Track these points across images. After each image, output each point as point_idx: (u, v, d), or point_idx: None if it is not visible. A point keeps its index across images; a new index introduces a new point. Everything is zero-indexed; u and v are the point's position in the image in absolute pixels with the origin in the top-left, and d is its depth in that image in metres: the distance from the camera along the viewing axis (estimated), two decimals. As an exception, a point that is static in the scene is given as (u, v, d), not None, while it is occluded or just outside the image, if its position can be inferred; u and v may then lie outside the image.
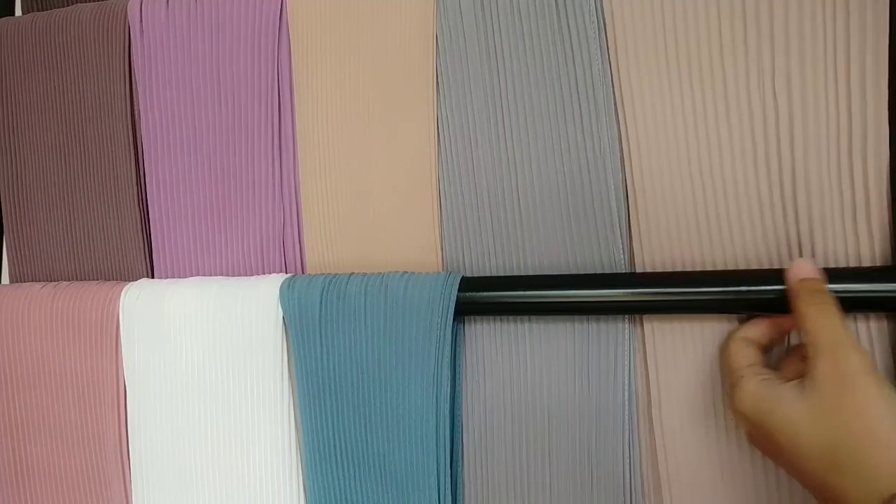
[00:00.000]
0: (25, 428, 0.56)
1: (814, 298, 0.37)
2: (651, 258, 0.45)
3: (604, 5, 0.45)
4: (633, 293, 0.43)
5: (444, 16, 0.49)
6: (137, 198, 0.56)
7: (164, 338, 0.51)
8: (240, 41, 0.53)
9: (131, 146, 0.56)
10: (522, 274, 0.47)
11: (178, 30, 0.54)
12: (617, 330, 0.45)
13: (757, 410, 0.37)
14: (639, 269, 0.45)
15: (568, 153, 0.46)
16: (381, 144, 0.51)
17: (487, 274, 0.48)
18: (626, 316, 0.45)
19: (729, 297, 0.41)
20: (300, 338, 0.48)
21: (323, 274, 0.50)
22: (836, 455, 0.33)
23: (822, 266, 0.40)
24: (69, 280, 0.58)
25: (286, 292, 0.48)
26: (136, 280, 0.55)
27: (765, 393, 0.37)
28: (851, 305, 0.38)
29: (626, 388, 0.45)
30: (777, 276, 0.41)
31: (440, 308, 0.45)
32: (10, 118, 0.59)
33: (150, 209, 0.56)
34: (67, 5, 0.59)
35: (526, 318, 0.47)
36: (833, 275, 0.39)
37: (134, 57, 0.56)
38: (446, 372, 0.45)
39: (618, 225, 0.45)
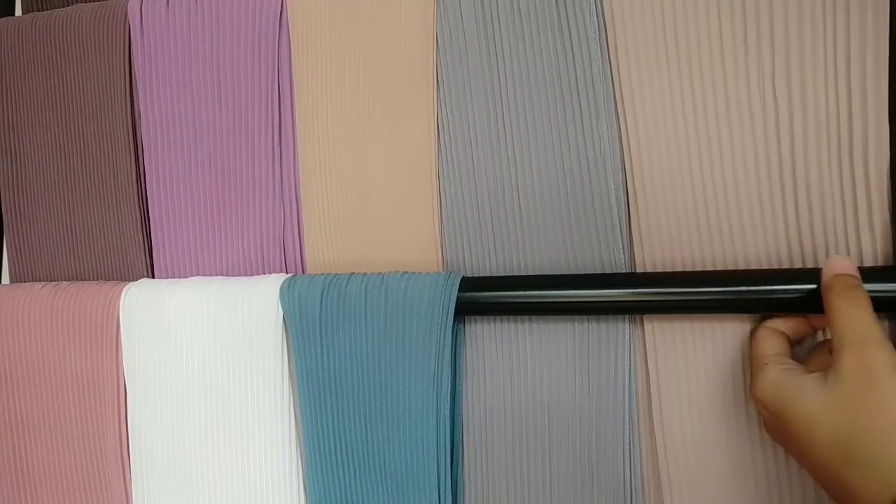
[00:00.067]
0: (25, 427, 0.56)
1: (847, 293, 0.36)
2: (651, 258, 0.45)
3: (604, 5, 0.45)
4: (633, 293, 0.43)
5: (444, 15, 0.49)
6: (137, 197, 0.56)
7: (164, 338, 0.51)
8: (240, 41, 0.53)
9: (131, 146, 0.56)
10: (522, 274, 0.47)
11: (178, 29, 0.54)
12: (617, 330, 0.45)
13: (777, 398, 0.37)
14: (639, 269, 0.45)
15: (568, 153, 0.46)
16: (381, 144, 0.51)
17: (487, 274, 0.48)
18: (627, 316, 0.45)
19: (729, 297, 0.41)
20: (300, 338, 0.48)
21: (323, 274, 0.50)
22: (853, 449, 0.33)
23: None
24: (69, 280, 0.58)
25: (286, 292, 0.48)
26: (137, 279, 0.55)
27: (786, 382, 0.37)
28: (852, 305, 0.38)
29: (626, 387, 0.45)
30: (777, 276, 0.41)
31: (440, 308, 0.45)
32: (11, 118, 0.59)
33: (150, 208, 0.56)
34: (67, 5, 0.59)
35: (526, 318, 0.47)
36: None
37: (134, 57, 0.56)
38: (446, 372, 0.45)
39: (618, 225, 0.45)
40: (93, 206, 0.57)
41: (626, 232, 0.46)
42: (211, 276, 0.54)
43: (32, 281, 0.59)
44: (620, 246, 0.45)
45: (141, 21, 0.55)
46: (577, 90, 0.46)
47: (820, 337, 0.42)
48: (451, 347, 0.46)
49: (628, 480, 0.45)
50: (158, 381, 0.52)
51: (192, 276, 0.55)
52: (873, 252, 0.41)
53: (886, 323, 0.41)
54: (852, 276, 0.37)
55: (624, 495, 0.45)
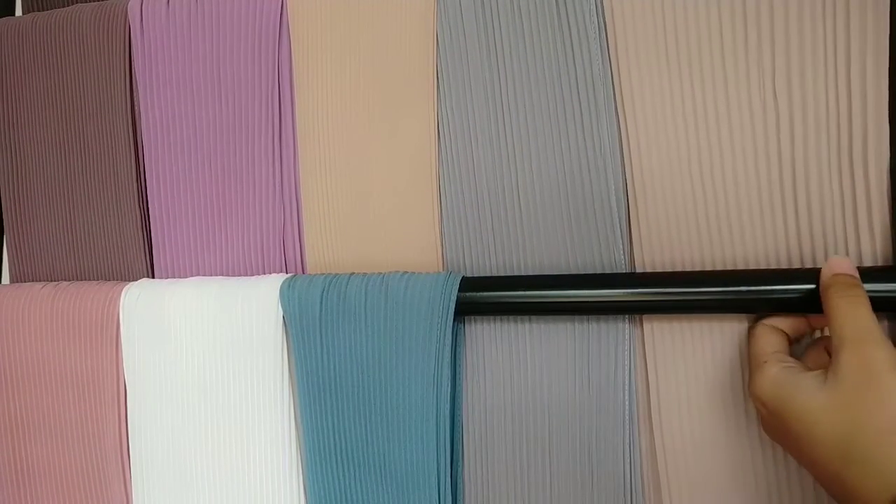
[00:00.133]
0: (25, 428, 0.56)
1: (846, 291, 0.37)
2: (651, 258, 0.45)
3: (604, 5, 0.45)
4: (633, 293, 0.43)
5: (444, 14, 0.49)
6: (137, 197, 0.56)
7: (164, 338, 0.51)
8: (240, 41, 0.53)
9: (131, 145, 0.56)
10: (522, 274, 0.47)
11: (178, 29, 0.54)
12: (617, 330, 0.45)
13: (776, 397, 0.37)
14: (639, 269, 0.45)
15: (568, 152, 0.46)
16: (381, 143, 0.51)
17: (488, 274, 0.48)
18: (626, 316, 0.45)
19: (729, 297, 0.41)
20: (300, 338, 0.48)
21: (323, 274, 0.50)
22: (853, 448, 0.33)
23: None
24: (69, 279, 0.58)
25: (286, 292, 0.49)
26: (137, 279, 0.55)
27: (785, 380, 0.37)
28: (851, 305, 0.38)
29: (626, 387, 0.45)
30: (777, 276, 0.41)
31: (440, 308, 0.45)
32: (11, 117, 0.59)
33: (150, 208, 0.56)
34: (67, 5, 0.59)
35: (526, 318, 0.47)
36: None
37: (134, 56, 0.56)
38: (446, 372, 0.45)
39: (618, 225, 0.45)
40: (93, 206, 0.57)
41: (626, 232, 0.46)
42: (211, 276, 0.54)
43: (32, 281, 0.59)
44: (620, 246, 0.45)
45: (141, 21, 0.55)
46: (577, 90, 0.46)
47: (818, 335, 0.42)
48: (451, 347, 0.46)
49: (628, 480, 0.45)
50: (158, 381, 0.52)
51: (192, 276, 0.55)
52: (873, 252, 0.41)
53: (886, 323, 0.41)
54: (851, 275, 0.37)
55: (624, 495, 0.45)
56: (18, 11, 0.65)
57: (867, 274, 0.39)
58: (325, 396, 0.48)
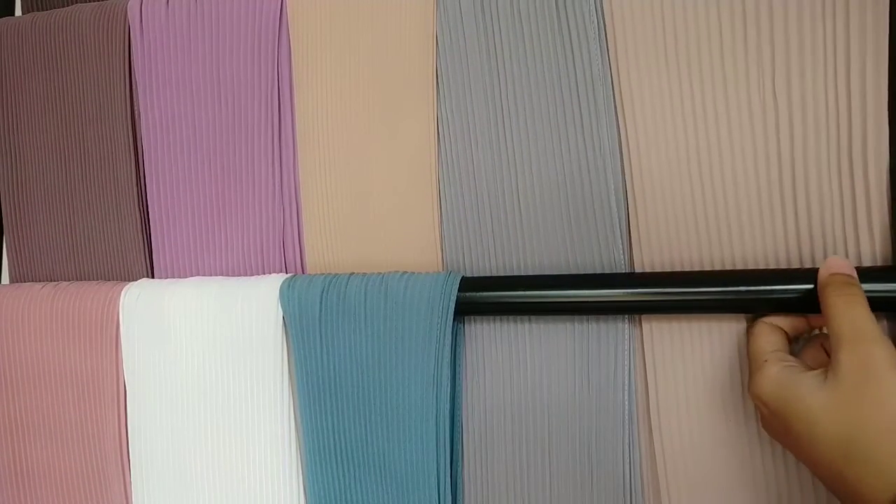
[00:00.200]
0: (25, 428, 0.56)
1: (843, 290, 0.37)
2: (651, 258, 0.45)
3: (604, 5, 0.45)
4: (632, 293, 0.43)
5: (444, 16, 0.49)
6: (137, 198, 0.56)
7: (164, 338, 0.51)
8: (240, 41, 0.53)
9: (131, 146, 0.56)
10: (522, 274, 0.47)
11: (178, 30, 0.54)
12: (617, 330, 0.45)
13: (776, 397, 0.37)
14: (638, 270, 0.45)
15: (568, 153, 0.46)
16: (381, 144, 0.51)
17: (487, 274, 0.48)
18: (626, 316, 0.45)
19: (728, 297, 0.41)
20: (300, 338, 0.48)
21: (323, 274, 0.50)
22: (854, 447, 0.33)
23: (822, 266, 0.40)
24: (69, 280, 0.58)
25: (286, 292, 0.49)
26: (136, 280, 0.55)
27: (786, 379, 0.37)
28: (851, 305, 0.38)
29: (626, 387, 0.45)
30: (776, 276, 0.41)
31: (440, 308, 0.45)
32: (11, 118, 0.59)
33: (149, 209, 0.56)
34: (67, 5, 0.59)
35: (526, 318, 0.47)
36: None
37: (134, 57, 0.56)
38: (446, 372, 0.45)
39: (618, 225, 0.45)
40: (93, 207, 0.57)
41: (626, 232, 0.46)
42: (211, 276, 0.54)
43: (32, 281, 0.59)
44: (620, 246, 0.45)
45: (141, 21, 0.55)
46: (577, 91, 0.46)
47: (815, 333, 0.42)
48: (450, 347, 0.46)
49: (628, 480, 0.45)
50: (158, 381, 0.52)
51: (191, 276, 0.55)
52: (872, 252, 0.41)
53: (886, 323, 0.41)
54: (848, 275, 0.38)
55: (624, 495, 0.45)
56: (18, 11, 0.64)
57: (867, 274, 0.39)
58: (325, 396, 0.48)
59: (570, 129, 0.46)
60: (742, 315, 0.43)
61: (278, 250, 0.53)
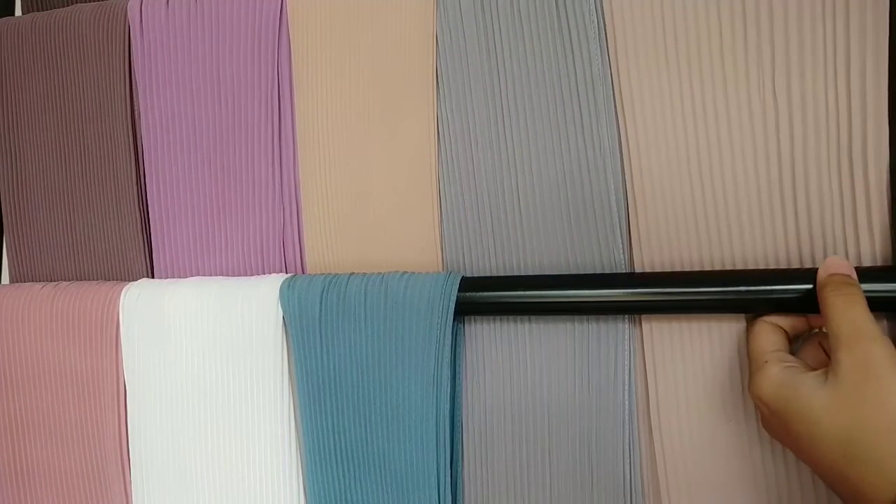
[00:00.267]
0: (25, 428, 0.56)
1: (841, 290, 0.37)
2: (651, 258, 0.45)
3: (604, 5, 0.45)
4: (632, 293, 0.43)
5: (444, 15, 0.49)
6: (137, 197, 0.56)
7: (164, 338, 0.51)
8: (240, 41, 0.53)
9: (131, 146, 0.56)
10: (522, 274, 0.47)
11: (178, 30, 0.54)
12: (617, 330, 0.45)
13: (777, 397, 0.37)
14: (638, 269, 0.45)
15: (568, 153, 0.46)
16: (381, 144, 0.51)
17: (487, 274, 0.48)
18: (626, 316, 0.45)
19: (728, 297, 0.41)
20: (300, 338, 0.48)
21: (323, 274, 0.50)
22: (855, 446, 0.33)
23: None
24: (69, 280, 0.58)
25: (286, 292, 0.49)
26: (136, 280, 0.55)
27: (787, 380, 0.37)
28: (851, 305, 0.38)
29: (626, 387, 0.45)
30: (776, 276, 0.41)
31: (440, 308, 0.45)
32: (10, 118, 0.59)
33: (149, 209, 0.56)
34: (67, 5, 0.59)
35: (526, 318, 0.47)
36: (833, 275, 0.39)
37: (134, 57, 0.56)
38: (446, 372, 0.45)
39: (618, 225, 0.45)
40: (93, 207, 0.57)
41: (626, 232, 0.46)
42: (211, 276, 0.54)
43: (32, 281, 0.59)
44: (620, 246, 0.45)
45: (141, 21, 0.55)
46: (577, 91, 0.46)
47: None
48: (451, 347, 0.46)
49: (628, 480, 0.45)
50: (158, 381, 0.52)
51: (191, 276, 0.55)
52: (872, 252, 0.41)
53: (886, 323, 0.41)
54: (847, 275, 0.38)
55: (624, 495, 0.45)
56: (18, 11, 0.65)
57: (867, 274, 0.39)
58: (325, 396, 0.48)
59: (570, 128, 0.46)
60: (742, 315, 0.43)
61: (278, 250, 0.53)
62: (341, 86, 0.51)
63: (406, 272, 0.47)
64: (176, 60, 0.55)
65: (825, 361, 0.39)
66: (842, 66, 0.41)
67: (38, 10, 0.62)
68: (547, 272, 0.47)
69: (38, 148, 0.59)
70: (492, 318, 0.48)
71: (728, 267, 0.44)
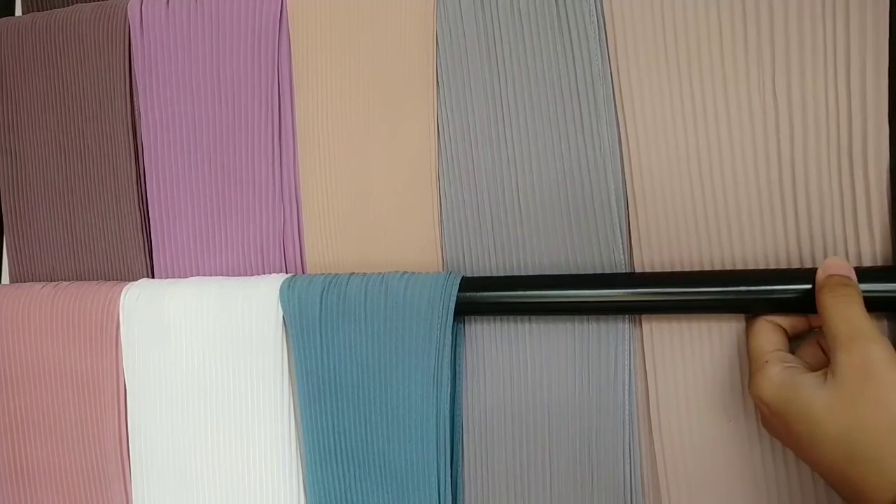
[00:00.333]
0: (25, 428, 0.56)
1: (838, 290, 0.37)
2: (651, 258, 0.45)
3: (604, 5, 0.45)
4: (632, 293, 0.43)
5: (444, 15, 0.49)
6: (137, 197, 0.56)
7: (164, 338, 0.51)
8: (240, 41, 0.53)
9: (131, 145, 0.56)
10: (522, 274, 0.47)
11: (178, 29, 0.54)
12: (617, 330, 0.45)
13: (777, 398, 0.37)
14: (638, 269, 0.45)
15: (568, 153, 0.46)
16: (381, 144, 0.51)
17: (488, 274, 0.48)
18: (626, 316, 0.45)
19: (728, 297, 0.41)
20: (300, 338, 0.48)
21: (323, 274, 0.50)
22: (855, 446, 0.33)
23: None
24: (69, 280, 0.58)
25: (286, 292, 0.49)
26: (136, 279, 0.55)
27: (787, 380, 0.37)
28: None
29: (626, 387, 0.45)
30: (776, 276, 0.41)
31: (440, 308, 0.45)
32: (11, 118, 0.59)
33: (150, 208, 0.56)
34: (67, 5, 0.59)
35: (526, 318, 0.47)
36: (833, 275, 0.39)
37: (134, 57, 0.56)
38: (446, 372, 0.45)
39: (618, 225, 0.45)
40: (93, 206, 0.57)
41: (626, 232, 0.46)
42: (211, 276, 0.54)
43: (32, 281, 0.59)
44: (620, 246, 0.45)
45: (141, 21, 0.55)
46: (577, 90, 0.46)
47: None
48: (451, 347, 0.46)
49: (628, 480, 0.45)
50: (158, 381, 0.52)
51: (192, 276, 0.55)
52: (872, 252, 0.41)
53: (886, 323, 0.41)
54: (845, 275, 0.38)
55: (624, 495, 0.45)
56: (18, 11, 0.64)
57: (867, 274, 0.39)
58: (325, 396, 0.48)
59: (570, 128, 0.46)
60: (742, 315, 0.43)
61: (278, 250, 0.53)
62: (341, 86, 0.51)
63: (406, 272, 0.47)
64: (176, 60, 0.55)
65: (824, 361, 0.39)
66: (842, 66, 0.41)
67: (38, 10, 0.62)
68: (547, 272, 0.47)
69: (38, 147, 0.59)
70: (492, 318, 0.48)
71: (728, 267, 0.44)
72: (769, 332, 0.40)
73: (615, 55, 0.45)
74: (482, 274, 0.48)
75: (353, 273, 0.49)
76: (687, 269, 0.44)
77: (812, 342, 0.41)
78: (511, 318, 0.47)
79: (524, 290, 0.45)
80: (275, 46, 0.53)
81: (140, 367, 0.52)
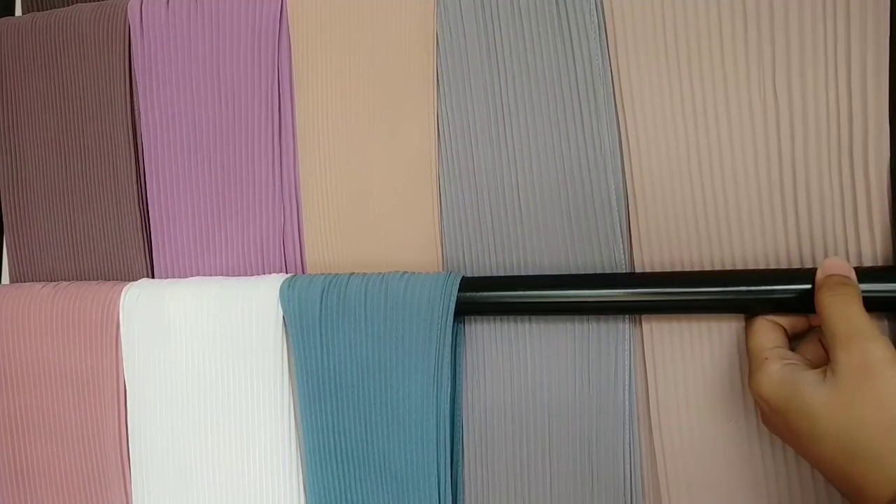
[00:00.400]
0: (25, 428, 0.56)
1: (836, 289, 0.37)
2: (651, 258, 0.45)
3: (604, 4, 0.45)
4: (632, 293, 0.43)
5: (444, 14, 0.49)
6: (137, 197, 0.56)
7: (164, 338, 0.51)
8: (240, 40, 0.53)
9: (131, 145, 0.56)
10: (523, 274, 0.47)
11: (178, 29, 0.54)
12: (617, 330, 0.45)
13: (777, 395, 0.37)
14: (638, 269, 0.45)
15: (568, 152, 0.46)
16: (381, 143, 0.51)
17: (488, 274, 0.48)
18: (626, 316, 0.45)
19: (728, 297, 0.41)
20: (300, 338, 0.48)
21: (323, 274, 0.50)
22: (855, 443, 0.33)
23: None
24: (69, 280, 0.58)
25: (286, 292, 0.49)
26: (136, 280, 0.55)
27: (787, 377, 0.37)
28: (851, 305, 0.38)
29: (626, 387, 0.45)
30: (776, 276, 0.41)
31: (440, 308, 0.45)
32: (11, 118, 0.59)
33: (150, 208, 0.56)
34: (67, 5, 0.59)
35: (526, 318, 0.47)
36: (833, 275, 0.39)
37: (134, 56, 0.56)
38: (446, 372, 0.45)
39: (618, 225, 0.45)
40: (93, 207, 0.57)
41: (626, 232, 0.46)
42: (211, 276, 0.54)
43: (32, 281, 0.59)
44: (620, 246, 0.45)
45: (141, 21, 0.55)
46: (577, 90, 0.46)
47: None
48: (451, 347, 0.46)
49: (628, 480, 0.45)
50: (158, 381, 0.52)
51: (192, 276, 0.55)
52: (872, 252, 0.41)
53: (886, 323, 0.41)
54: (844, 275, 0.38)
55: (624, 495, 0.45)
56: (18, 11, 0.64)
57: (867, 274, 0.39)
58: (325, 396, 0.48)
59: (570, 127, 0.46)
60: (742, 315, 0.43)
61: (278, 249, 0.53)
62: (341, 86, 0.51)
63: (406, 272, 0.47)
64: (176, 60, 0.55)
65: (825, 358, 0.39)
66: (842, 66, 0.41)
67: (38, 10, 0.62)
68: (547, 271, 0.47)
69: (39, 148, 0.59)
70: (492, 318, 0.48)
71: (728, 267, 0.44)
72: (769, 330, 0.40)
73: (615, 54, 0.45)
74: (482, 274, 0.48)
75: (353, 273, 0.49)
76: (687, 269, 0.44)
77: (814, 340, 0.41)
78: (511, 318, 0.47)
79: (524, 290, 0.45)
80: (275, 46, 0.53)
81: (140, 367, 0.52)
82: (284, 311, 0.49)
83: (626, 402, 0.45)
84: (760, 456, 0.43)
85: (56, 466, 0.55)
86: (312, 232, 0.52)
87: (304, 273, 0.52)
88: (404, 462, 0.46)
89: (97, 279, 0.58)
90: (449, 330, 0.45)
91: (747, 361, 0.41)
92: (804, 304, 0.39)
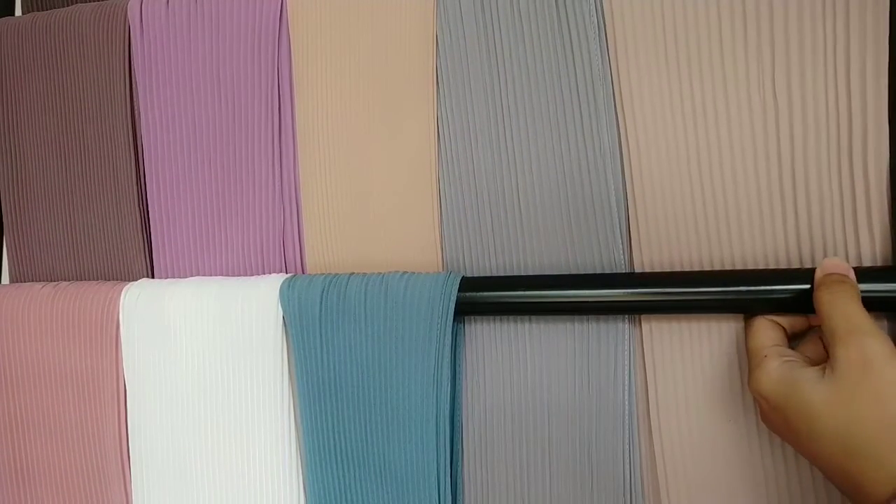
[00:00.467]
0: (25, 427, 0.56)
1: (835, 287, 0.37)
2: (650, 258, 0.45)
3: (604, 5, 0.45)
4: (632, 293, 0.43)
5: (444, 15, 0.49)
6: (137, 197, 0.56)
7: (164, 338, 0.51)
8: (240, 41, 0.53)
9: (131, 145, 0.56)
10: (523, 274, 0.47)
11: (178, 29, 0.54)
12: (617, 330, 0.45)
13: (777, 392, 0.37)
14: (638, 269, 0.45)
15: (568, 153, 0.46)
16: (381, 144, 0.51)
17: (488, 274, 0.48)
18: (626, 316, 0.45)
19: (728, 297, 0.41)
20: (300, 338, 0.48)
21: (323, 274, 0.50)
22: (854, 441, 0.33)
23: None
24: (69, 280, 0.58)
25: (286, 292, 0.49)
26: (136, 280, 0.55)
27: (786, 375, 0.37)
28: (851, 305, 0.38)
29: (626, 387, 0.45)
30: (776, 276, 0.41)
31: (440, 308, 0.45)
32: (10, 118, 0.59)
33: (149, 209, 0.56)
34: (67, 5, 0.59)
35: (526, 318, 0.47)
36: (833, 275, 0.39)
37: (134, 57, 0.56)
38: (446, 372, 0.45)
39: (618, 225, 0.45)
40: (93, 207, 0.57)
41: (626, 232, 0.46)
42: (211, 276, 0.54)
43: (32, 281, 0.59)
44: (620, 246, 0.45)
45: (141, 21, 0.55)
46: (577, 91, 0.46)
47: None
48: (451, 347, 0.46)
49: (628, 480, 0.45)
50: (158, 381, 0.52)
51: (192, 276, 0.55)
52: (872, 252, 0.41)
53: (886, 323, 0.41)
54: (843, 274, 0.38)
55: (624, 495, 0.45)
56: (18, 11, 0.64)
57: (867, 274, 0.39)
58: (325, 396, 0.48)
59: (570, 128, 0.46)
60: (741, 315, 0.43)
61: (278, 250, 0.53)
62: (341, 86, 0.51)
63: (406, 272, 0.47)
64: (176, 60, 0.55)
65: (825, 356, 0.39)
66: (842, 66, 0.41)
67: (38, 10, 0.62)
68: (547, 272, 0.47)
69: (39, 148, 0.59)
70: (492, 318, 0.48)
71: (728, 267, 0.44)
72: (768, 329, 0.40)
73: (615, 55, 0.45)
74: (482, 274, 0.48)
75: (353, 273, 0.49)
76: (687, 269, 0.44)
77: (814, 339, 0.41)
78: (511, 318, 0.47)
79: (524, 290, 0.45)
80: (275, 46, 0.53)
81: (140, 367, 0.52)
82: (284, 312, 0.49)
83: (626, 402, 0.45)
84: (760, 456, 0.43)
85: (56, 466, 0.55)
86: (312, 232, 0.52)
87: (304, 273, 0.52)
88: (404, 462, 0.46)
89: (97, 279, 0.58)
90: (449, 330, 0.45)
91: (747, 361, 0.41)
92: (803, 304, 0.39)
